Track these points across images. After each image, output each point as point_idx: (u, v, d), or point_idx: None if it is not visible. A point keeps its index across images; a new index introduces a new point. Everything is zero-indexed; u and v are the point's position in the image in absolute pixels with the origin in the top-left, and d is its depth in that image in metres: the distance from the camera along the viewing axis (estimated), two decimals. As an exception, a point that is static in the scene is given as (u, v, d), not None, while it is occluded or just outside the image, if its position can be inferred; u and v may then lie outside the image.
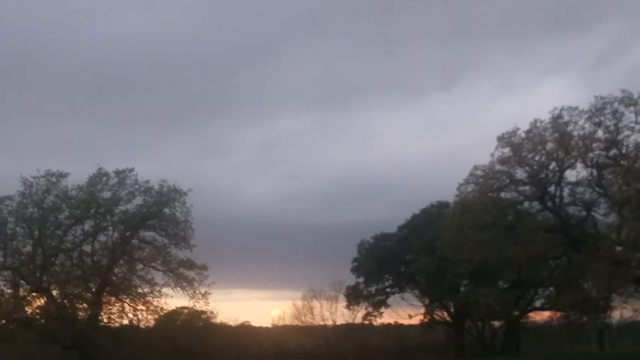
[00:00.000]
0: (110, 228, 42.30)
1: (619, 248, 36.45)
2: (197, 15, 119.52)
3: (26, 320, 39.31)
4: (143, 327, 43.10)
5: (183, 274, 42.49)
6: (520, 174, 40.84)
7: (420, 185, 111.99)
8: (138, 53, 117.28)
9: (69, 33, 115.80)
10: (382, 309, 70.22)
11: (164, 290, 42.42)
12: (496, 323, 71.07)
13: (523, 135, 39.91)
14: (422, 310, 69.13)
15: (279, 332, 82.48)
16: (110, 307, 41.94)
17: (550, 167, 39.90)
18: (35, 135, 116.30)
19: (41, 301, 40.82)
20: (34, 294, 40.65)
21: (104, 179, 41.28)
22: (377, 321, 72.55)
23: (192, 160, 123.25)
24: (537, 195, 40.98)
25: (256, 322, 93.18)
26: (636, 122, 36.55)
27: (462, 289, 64.03)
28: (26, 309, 40.10)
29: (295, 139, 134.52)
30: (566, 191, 41.49)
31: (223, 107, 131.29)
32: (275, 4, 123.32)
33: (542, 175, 40.07)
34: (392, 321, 76.72)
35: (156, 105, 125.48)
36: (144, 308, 41.96)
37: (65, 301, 40.77)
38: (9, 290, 40.45)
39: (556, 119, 38.82)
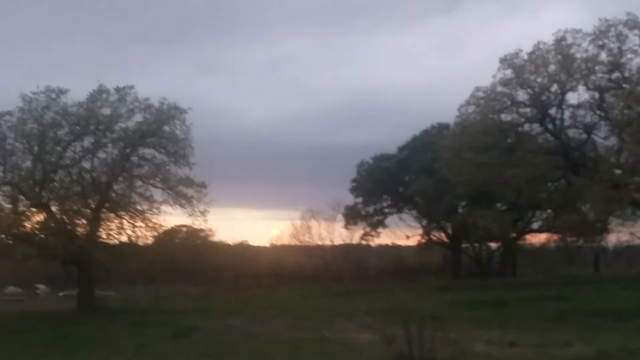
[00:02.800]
0: (110, 145, 42.12)
1: (618, 171, 36.55)
2: None
3: (25, 235, 39.42)
4: (141, 244, 43.18)
5: (182, 191, 42.42)
6: (522, 95, 40.73)
7: (422, 107, 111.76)
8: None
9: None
10: (380, 229, 70.80)
11: (163, 207, 42.45)
12: (493, 245, 71.65)
13: (525, 57, 39.70)
14: (420, 231, 69.67)
15: (277, 251, 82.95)
16: (109, 223, 41.96)
17: (552, 89, 39.77)
18: (35, 53, 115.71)
19: (40, 217, 40.84)
20: (33, 209, 40.67)
21: (104, 95, 40.88)
22: (375, 242, 73.13)
23: (192, 79, 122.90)
24: (537, 117, 40.92)
25: (254, 241, 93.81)
26: (640, 45, 36.30)
27: (460, 210, 64.36)
28: (25, 224, 40.13)
29: (297, 60, 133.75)
30: (567, 114, 41.48)
31: (224, 27, 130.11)
32: None
33: (544, 98, 39.95)
34: (389, 242, 77.35)
35: (157, 23, 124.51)
36: (142, 225, 41.97)
37: (65, 217, 40.78)
38: (8, 206, 40.49)
39: (559, 41, 38.54)
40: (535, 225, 66.65)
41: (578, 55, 38.04)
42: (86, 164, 42.49)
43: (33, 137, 39.88)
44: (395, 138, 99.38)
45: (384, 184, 67.15)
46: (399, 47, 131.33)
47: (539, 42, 39.39)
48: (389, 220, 71.01)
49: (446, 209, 62.50)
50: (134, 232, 42.11)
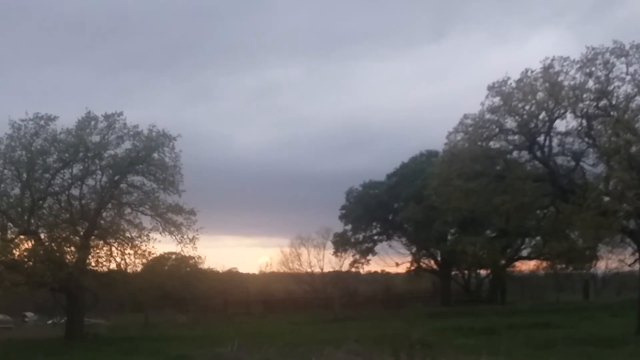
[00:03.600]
0: (99, 172, 42.09)
1: (606, 198, 36.51)
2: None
3: (14, 262, 39.25)
4: (130, 271, 43.05)
5: (171, 218, 42.40)
6: (510, 123, 40.72)
7: (411, 134, 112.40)
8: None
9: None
10: (369, 257, 70.81)
11: (152, 234, 42.37)
12: (482, 272, 71.77)
13: (513, 84, 39.72)
14: (409, 258, 69.72)
15: (266, 278, 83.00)
16: (98, 250, 41.86)
17: (540, 116, 39.77)
18: (24, 80, 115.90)
19: (29, 244, 40.66)
20: (22, 236, 40.53)
21: (93, 122, 40.88)
22: (364, 269, 73.21)
23: (182, 106, 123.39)
24: (526, 144, 40.90)
25: (244, 269, 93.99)
26: (627, 73, 36.40)
27: (449, 237, 64.50)
28: (14, 251, 39.98)
29: (287, 87, 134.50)
30: (555, 141, 41.43)
31: (214, 54, 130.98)
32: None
33: (532, 125, 39.96)
34: (379, 269, 77.47)
35: (146, 51, 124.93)
36: (131, 252, 41.86)
37: (53, 244, 40.64)
38: (-4, 233, 40.43)
39: (547, 68, 38.62)
40: (524, 253, 66.80)
41: (566, 83, 38.09)
42: (75, 191, 42.56)
43: (22, 164, 39.82)
44: (384, 164, 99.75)
45: (373, 211, 67.25)
46: (388, 74, 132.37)
47: (526, 70, 39.48)
48: (378, 247, 71.21)
49: (435, 236, 62.61)
50: (123, 259, 42.03)
